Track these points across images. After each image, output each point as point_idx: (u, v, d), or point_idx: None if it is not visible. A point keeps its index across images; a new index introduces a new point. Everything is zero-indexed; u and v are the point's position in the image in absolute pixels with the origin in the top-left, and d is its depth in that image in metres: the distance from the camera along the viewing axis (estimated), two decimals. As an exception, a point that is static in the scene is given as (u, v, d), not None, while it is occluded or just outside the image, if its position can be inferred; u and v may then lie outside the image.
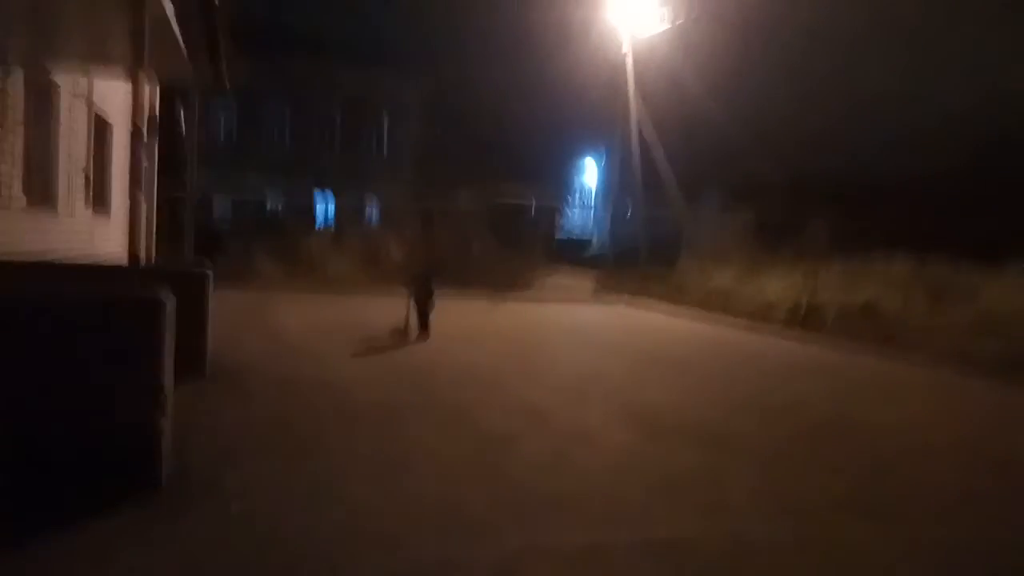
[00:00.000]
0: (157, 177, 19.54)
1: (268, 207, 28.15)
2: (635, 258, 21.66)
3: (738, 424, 6.25)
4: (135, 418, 3.71)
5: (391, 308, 13.06)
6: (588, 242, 35.84)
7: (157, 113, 15.69)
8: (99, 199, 10.88)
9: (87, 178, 9.16)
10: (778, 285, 16.56)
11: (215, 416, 5.45)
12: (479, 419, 5.82)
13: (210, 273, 6.50)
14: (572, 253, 29.69)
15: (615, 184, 27.61)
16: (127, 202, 13.06)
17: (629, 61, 21.43)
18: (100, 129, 10.54)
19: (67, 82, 8.50)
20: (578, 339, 11.17)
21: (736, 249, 19.99)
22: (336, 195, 27.74)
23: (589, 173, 41.47)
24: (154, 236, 15.68)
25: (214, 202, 26.84)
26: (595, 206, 39.61)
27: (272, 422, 5.43)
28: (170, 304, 3.93)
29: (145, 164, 15.51)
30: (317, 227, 26.02)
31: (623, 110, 22.23)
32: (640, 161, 22.11)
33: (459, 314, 12.40)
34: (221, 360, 7.31)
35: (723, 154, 27.54)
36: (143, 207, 14.93)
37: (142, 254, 14.39)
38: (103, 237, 10.89)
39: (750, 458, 5.22)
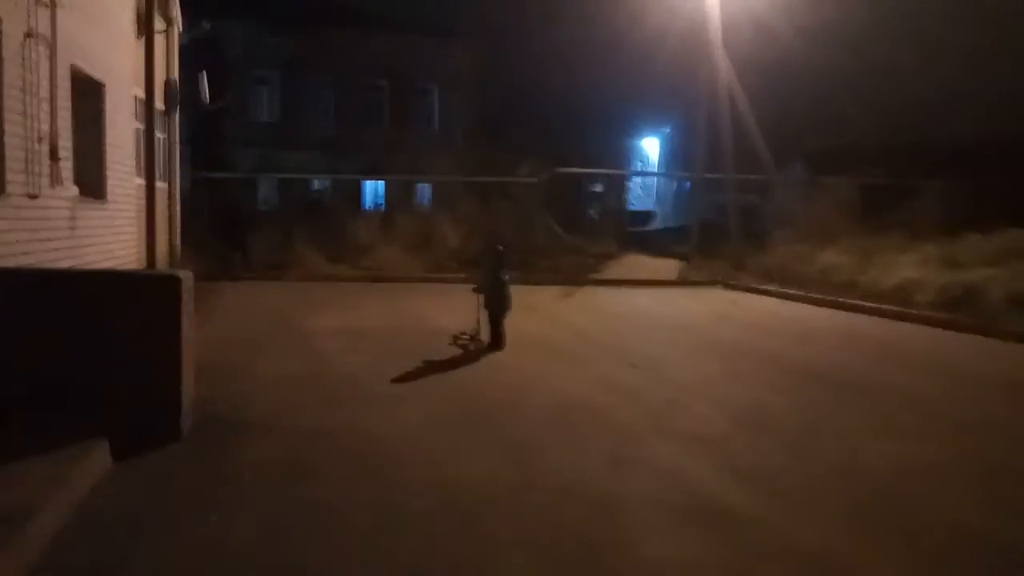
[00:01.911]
0: (186, 157, 17.65)
1: (314, 188, 26.26)
2: (715, 234, 18.92)
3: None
4: None
5: (447, 302, 10.71)
6: (651, 215, 32.98)
7: (177, 77, 13.61)
8: (90, 182, 8.76)
9: (52, 148, 6.97)
10: (908, 262, 13.71)
11: (154, 561, 3.08)
12: (636, 540, 3.33)
13: (183, 279, 4.18)
14: (636, 229, 27.00)
15: (694, 153, 24.69)
16: (137, 186, 11.04)
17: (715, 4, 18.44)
18: (84, 89, 8.37)
19: (14, 14, 6.28)
20: (696, 343, 8.57)
21: (839, 223, 17.09)
22: (384, 174, 25.57)
23: (651, 146, 38.55)
24: (178, 226, 13.67)
25: (258, 184, 25.08)
26: (657, 179, 36.66)
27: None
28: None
29: (162, 138, 13.51)
30: (365, 209, 23.97)
31: (704, 68, 19.30)
32: (723, 126, 19.19)
33: (532, 309, 10.00)
34: (218, 398, 5.08)
35: (810, 118, 24.39)
36: (160, 192, 12.91)
37: (160, 249, 12.38)
38: (95, 229, 8.77)
39: None
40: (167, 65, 13.11)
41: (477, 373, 6.65)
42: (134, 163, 10.71)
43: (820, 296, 13.06)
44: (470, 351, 7.57)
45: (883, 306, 11.85)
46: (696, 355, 7.83)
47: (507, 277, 7.98)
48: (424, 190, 26.15)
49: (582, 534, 3.33)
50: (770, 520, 3.53)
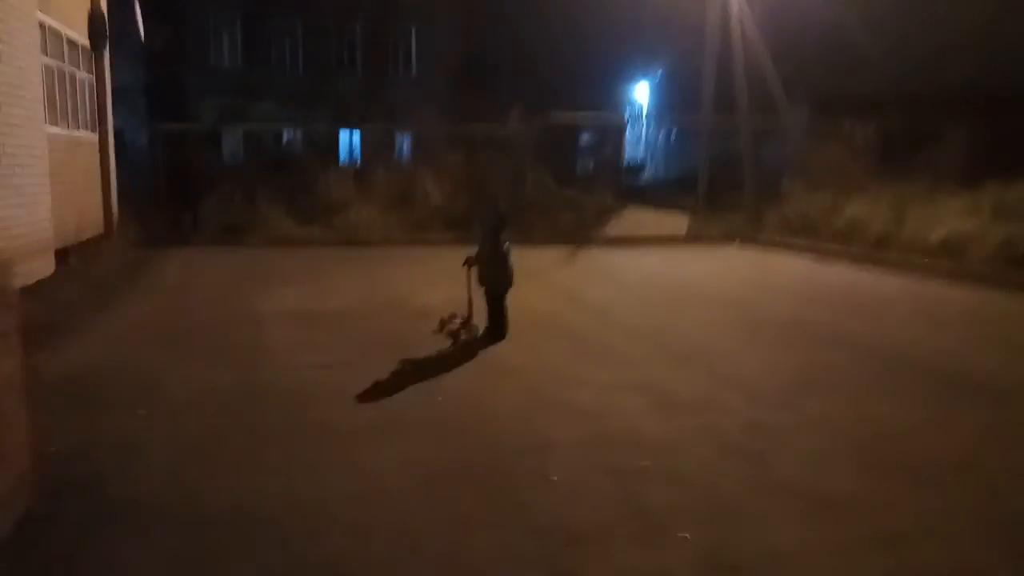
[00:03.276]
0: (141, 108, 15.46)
1: (283, 141, 24.08)
2: (720, 183, 17.16)
3: None
4: None
5: (431, 270, 8.92)
6: (643, 166, 31.04)
7: (105, 10, 11.45)
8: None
9: None
10: (951, 212, 12.07)
11: None
12: None
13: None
14: (630, 181, 25.25)
15: (688, 97, 22.65)
16: (49, 137, 8.92)
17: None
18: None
19: None
20: (743, 322, 6.82)
21: (857, 170, 15.36)
22: (359, 124, 23.40)
23: (641, 92, 36.29)
24: (113, 184, 11.69)
25: (223, 138, 22.85)
26: (647, 127, 34.46)
27: None
28: None
29: (87, 81, 11.43)
30: (339, 163, 21.88)
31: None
32: (733, 63, 17.20)
33: (533, 277, 8.23)
34: (97, 444, 3.36)
35: (818, 59, 22.45)
36: (88, 145, 10.87)
37: (88, 214, 10.37)
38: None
39: None
40: (90, -8, 10.96)
41: (476, 382, 4.91)
42: (43, 108, 8.70)
43: (860, 253, 11.41)
44: (462, 342, 5.85)
45: (937, 264, 10.25)
46: (752, 341, 6.13)
47: (507, 244, 6.22)
48: (404, 142, 24.06)
49: None
50: None
